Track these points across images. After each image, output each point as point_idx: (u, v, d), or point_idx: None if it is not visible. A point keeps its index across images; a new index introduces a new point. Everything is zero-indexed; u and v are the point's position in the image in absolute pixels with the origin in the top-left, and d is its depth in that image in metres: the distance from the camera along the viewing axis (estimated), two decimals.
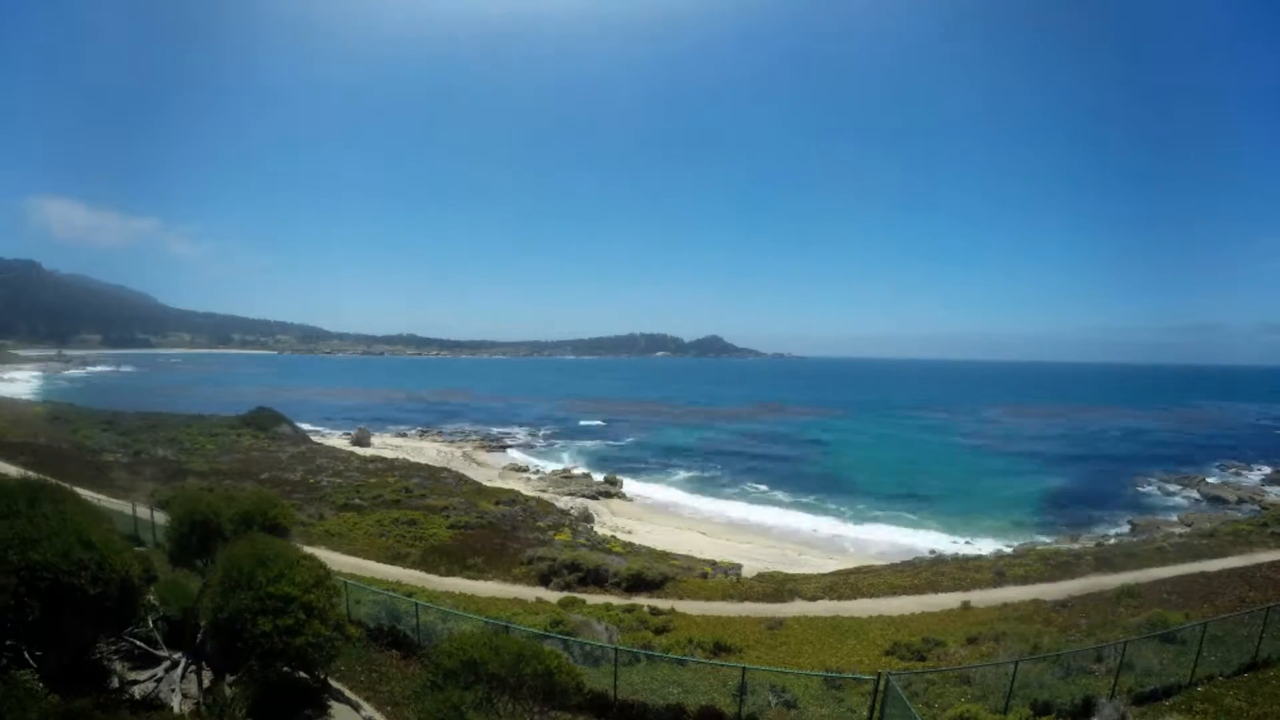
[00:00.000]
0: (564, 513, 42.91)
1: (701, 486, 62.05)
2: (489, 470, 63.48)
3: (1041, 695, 12.83)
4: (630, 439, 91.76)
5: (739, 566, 32.40)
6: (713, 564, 32.82)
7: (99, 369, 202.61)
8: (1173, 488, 62.43)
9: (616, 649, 14.01)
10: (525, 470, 65.57)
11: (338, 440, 71.40)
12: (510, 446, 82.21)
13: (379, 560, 27.39)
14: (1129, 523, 48.45)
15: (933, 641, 18.77)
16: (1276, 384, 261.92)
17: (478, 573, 26.80)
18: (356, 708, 11.71)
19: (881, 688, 11.46)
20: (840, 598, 25.14)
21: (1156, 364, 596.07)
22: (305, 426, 75.43)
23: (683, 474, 67.58)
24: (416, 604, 15.28)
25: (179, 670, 10.98)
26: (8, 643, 9.44)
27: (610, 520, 46.10)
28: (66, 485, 13.16)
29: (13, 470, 29.89)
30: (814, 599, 25.01)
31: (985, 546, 41.33)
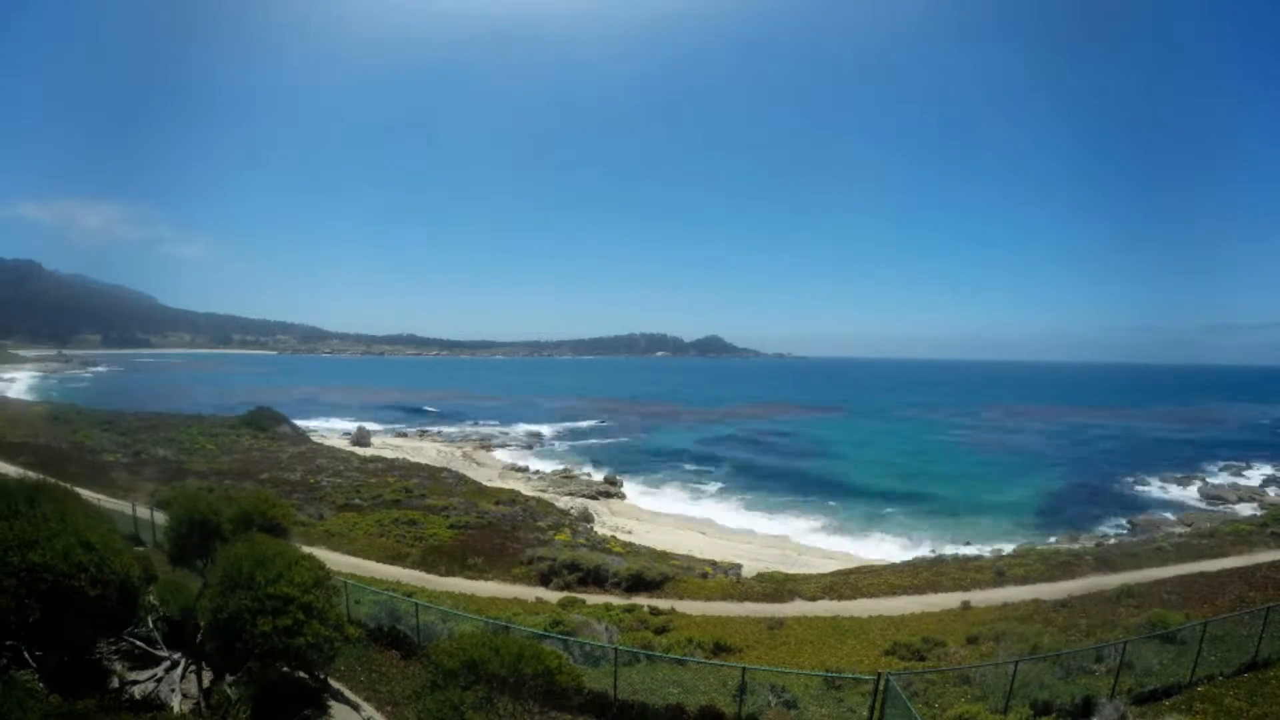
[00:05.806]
0: (564, 513, 42.89)
1: (701, 486, 61.98)
2: (489, 470, 63.43)
3: (1041, 695, 12.82)
4: (630, 439, 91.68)
5: (739, 566, 32.39)
6: (712, 564, 32.80)
7: (100, 369, 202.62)
8: (1173, 488, 62.38)
9: (616, 649, 14.01)
10: (525, 470, 65.52)
11: (337, 440, 71.38)
12: (510, 446, 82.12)
13: (379, 560, 27.37)
14: (1129, 523, 48.40)
15: (933, 641, 18.78)
16: (1276, 384, 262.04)
17: (478, 573, 26.79)
18: (356, 708, 11.71)
19: (881, 688, 11.46)
20: (840, 598, 25.14)
21: (1156, 364, 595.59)
22: (305, 426, 75.49)
23: (682, 474, 67.47)
24: (416, 604, 15.27)
25: (179, 670, 10.99)
26: (8, 643, 9.44)
27: (610, 520, 46.09)
28: (66, 485, 13.19)
29: (13, 470, 29.92)
30: (814, 599, 25.02)
31: (985, 547, 41.31)
